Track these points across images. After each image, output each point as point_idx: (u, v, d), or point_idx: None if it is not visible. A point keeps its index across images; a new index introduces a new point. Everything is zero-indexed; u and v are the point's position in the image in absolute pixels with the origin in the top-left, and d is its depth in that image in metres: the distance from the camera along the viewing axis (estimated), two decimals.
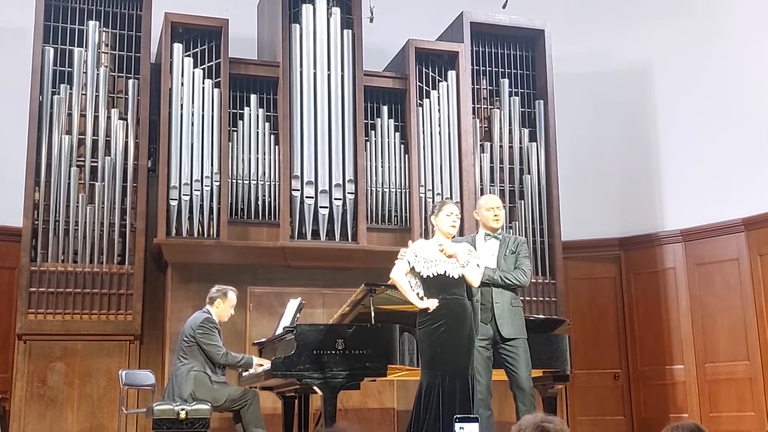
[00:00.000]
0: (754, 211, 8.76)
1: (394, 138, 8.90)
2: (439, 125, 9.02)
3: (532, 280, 8.92)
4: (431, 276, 5.33)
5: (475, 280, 5.37)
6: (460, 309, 5.29)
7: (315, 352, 5.75)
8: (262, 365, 6.51)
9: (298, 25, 8.64)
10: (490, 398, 5.56)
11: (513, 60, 9.61)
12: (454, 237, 5.59)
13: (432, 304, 5.25)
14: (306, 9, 8.68)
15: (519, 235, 8.95)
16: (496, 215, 5.81)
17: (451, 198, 8.79)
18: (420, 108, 9.00)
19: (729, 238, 9.03)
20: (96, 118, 8.19)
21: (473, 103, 9.28)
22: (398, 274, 5.39)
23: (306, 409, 6.97)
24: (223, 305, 6.74)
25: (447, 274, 5.32)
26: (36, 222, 7.89)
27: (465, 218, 8.82)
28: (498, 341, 5.58)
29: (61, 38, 8.28)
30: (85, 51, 8.26)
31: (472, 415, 4.74)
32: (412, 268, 5.39)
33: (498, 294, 5.63)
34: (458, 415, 4.38)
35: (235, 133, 8.44)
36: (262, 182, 8.37)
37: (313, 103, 8.53)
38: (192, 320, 6.66)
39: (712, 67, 9.37)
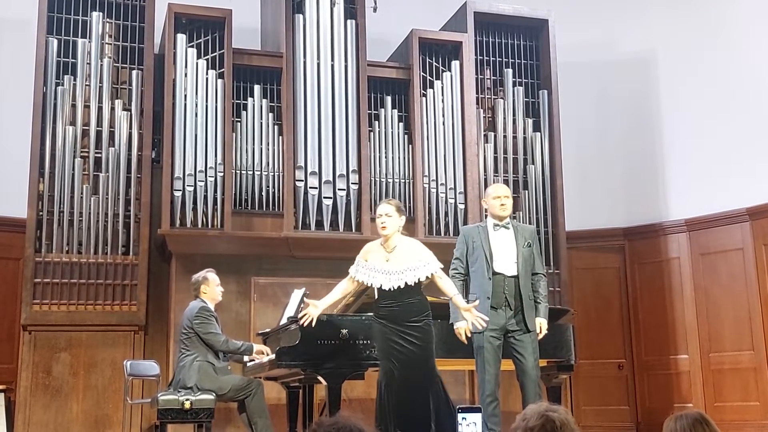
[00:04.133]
0: (758, 201, 8.75)
1: (398, 128, 8.90)
2: (443, 115, 9.01)
3: None
4: (366, 284, 5.55)
5: (449, 290, 5.52)
6: (398, 313, 5.39)
7: (319, 342, 5.77)
8: (262, 352, 6.52)
9: (301, 16, 8.63)
10: (497, 388, 5.58)
11: (516, 50, 9.59)
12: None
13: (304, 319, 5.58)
14: None
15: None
16: (503, 204, 5.81)
17: (455, 188, 8.79)
18: (423, 98, 8.99)
19: (733, 227, 9.02)
20: (100, 109, 8.19)
21: (477, 93, 9.26)
22: (337, 287, 5.71)
23: (310, 399, 6.98)
24: (208, 289, 6.70)
25: (381, 287, 5.44)
26: (40, 213, 7.90)
27: (469, 208, 8.84)
28: (508, 331, 5.59)
29: (64, 29, 8.27)
30: (89, 42, 8.26)
31: (475, 405, 4.75)
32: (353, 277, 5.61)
33: (524, 286, 5.65)
34: (461, 406, 4.40)
35: (239, 123, 8.44)
36: (265, 173, 8.37)
37: (317, 94, 8.52)
38: (188, 311, 6.63)
39: (716, 56, 9.35)
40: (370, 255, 5.54)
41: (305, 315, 5.57)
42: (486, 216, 6.10)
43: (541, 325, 5.65)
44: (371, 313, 5.74)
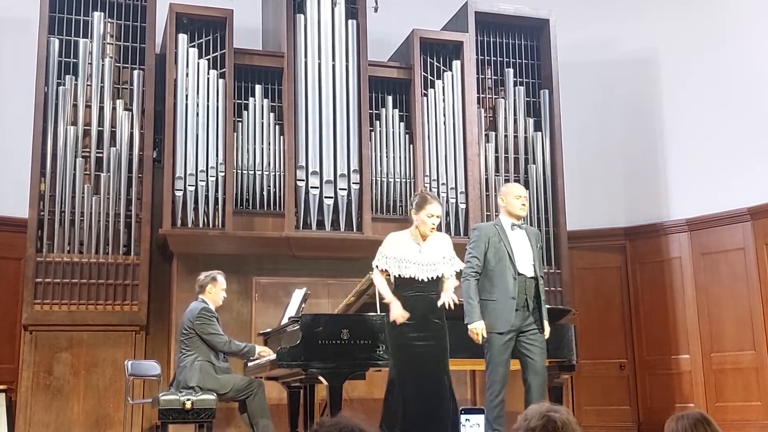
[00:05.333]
0: (759, 200, 8.74)
1: (399, 128, 8.90)
2: (444, 115, 9.01)
3: None
4: (400, 276, 5.41)
5: (448, 289, 5.48)
6: (423, 305, 5.36)
7: (320, 342, 5.76)
8: (266, 353, 6.52)
9: (302, 15, 8.63)
10: (505, 388, 5.56)
11: (518, 49, 9.59)
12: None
13: (398, 316, 5.32)
14: None
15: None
16: (523, 204, 5.80)
17: (456, 188, 8.79)
18: (425, 98, 8.99)
19: (735, 227, 9.01)
20: (101, 108, 8.20)
21: (478, 92, 9.26)
22: (375, 278, 5.53)
23: (311, 399, 6.99)
24: (214, 290, 6.73)
25: (416, 278, 5.39)
26: (42, 213, 7.91)
27: (470, 207, 8.83)
28: (521, 332, 5.58)
29: (66, 29, 8.28)
30: (90, 42, 8.26)
31: (478, 407, 4.76)
32: (383, 270, 5.46)
33: (541, 288, 5.66)
34: (464, 407, 4.40)
35: (240, 123, 8.45)
36: (267, 172, 8.37)
37: (318, 94, 8.52)
38: (189, 311, 6.65)
39: (718, 55, 9.34)
40: (400, 246, 5.46)
41: (399, 316, 5.36)
42: (497, 215, 6.03)
43: (546, 326, 5.65)
44: (373, 313, 5.75)
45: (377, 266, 5.47)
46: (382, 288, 5.44)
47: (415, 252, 5.44)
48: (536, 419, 2.46)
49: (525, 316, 5.57)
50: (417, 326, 5.34)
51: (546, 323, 5.64)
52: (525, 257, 5.65)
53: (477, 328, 5.47)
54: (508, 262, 5.57)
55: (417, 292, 5.39)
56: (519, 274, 5.57)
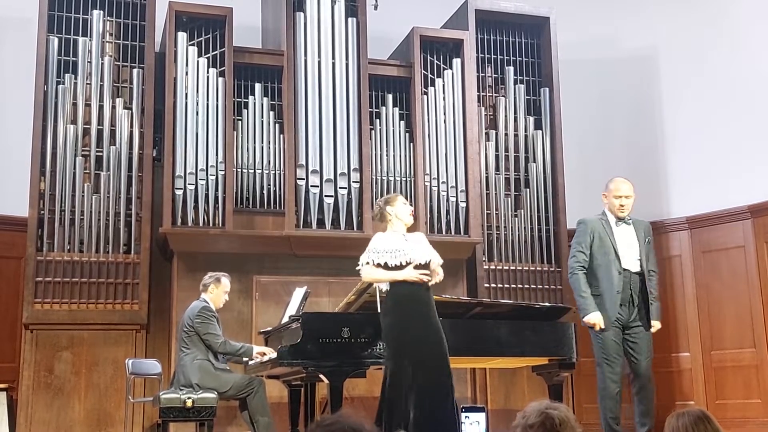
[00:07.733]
0: (760, 198, 8.73)
1: (399, 126, 8.89)
2: (444, 113, 9.01)
3: (538, 269, 8.99)
4: (400, 264, 5.35)
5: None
6: (426, 297, 5.34)
7: (321, 340, 5.76)
8: (264, 354, 6.53)
9: (302, 13, 8.62)
10: (619, 387, 5.58)
11: (518, 47, 9.58)
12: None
13: (421, 274, 5.28)
14: None
15: (524, 224, 9.03)
16: (622, 204, 5.77)
17: (456, 187, 8.78)
18: (425, 96, 8.98)
19: (735, 225, 9.00)
20: (101, 107, 8.19)
21: (478, 91, 9.26)
22: (370, 272, 5.41)
23: (312, 398, 6.99)
24: (216, 290, 6.75)
25: (414, 261, 5.35)
26: (42, 212, 7.90)
27: (471, 206, 8.82)
28: (626, 328, 5.56)
29: (65, 28, 8.27)
30: (90, 40, 8.26)
31: (478, 405, 4.76)
32: (378, 264, 5.39)
33: (648, 284, 5.62)
34: (465, 405, 4.39)
35: (240, 122, 8.44)
36: (267, 171, 8.37)
37: (318, 92, 8.52)
38: (190, 310, 6.68)
39: (719, 53, 9.33)
40: (389, 240, 5.45)
41: (419, 275, 5.33)
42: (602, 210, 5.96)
43: (654, 325, 5.62)
44: (374, 312, 5.74)
45: (369, 262, 5.40)
46: (383, 274, 5.36)
47: (403, 241, 5.46)
48: (534, 416, 2.46)
49: (630, 311, 5.55)
50: (418, 325, 5.31)
51: (655, 321, 5.61)
52: (631, 252, 5.63)
53: (593, 320, 5.41)
54: (613, 257, 5.56)
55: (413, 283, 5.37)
56: (624, 269, 5.54)
